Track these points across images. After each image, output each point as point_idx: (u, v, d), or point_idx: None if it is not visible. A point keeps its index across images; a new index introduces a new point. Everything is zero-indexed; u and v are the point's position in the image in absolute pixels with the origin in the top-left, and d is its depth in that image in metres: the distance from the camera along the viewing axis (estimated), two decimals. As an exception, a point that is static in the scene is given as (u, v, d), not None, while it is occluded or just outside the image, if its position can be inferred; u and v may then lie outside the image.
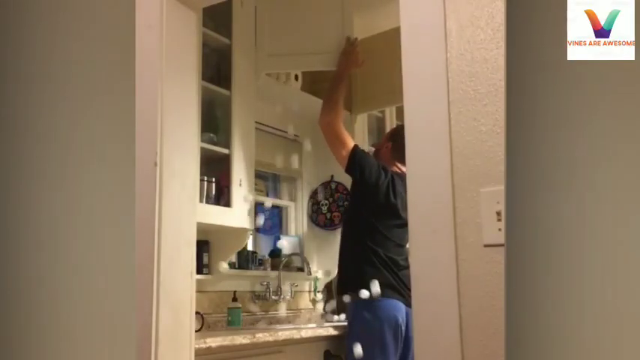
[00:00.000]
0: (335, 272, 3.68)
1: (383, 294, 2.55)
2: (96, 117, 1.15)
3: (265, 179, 3.72)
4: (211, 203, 2.76)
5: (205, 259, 2.88)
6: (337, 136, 2.70)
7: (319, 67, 3.14)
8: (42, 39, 1.13)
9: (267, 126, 3.53)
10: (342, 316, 3.63)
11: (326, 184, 3.77)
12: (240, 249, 3.09)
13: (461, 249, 1.30)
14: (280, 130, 3.67)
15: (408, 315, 2.53)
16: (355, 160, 2.67)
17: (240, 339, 2.34)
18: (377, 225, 2.65)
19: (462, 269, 1.29)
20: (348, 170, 2.71)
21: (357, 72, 3.64)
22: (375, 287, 2.53)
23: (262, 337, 2.44)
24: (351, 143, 2.70)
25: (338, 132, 2.70)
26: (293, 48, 3.00)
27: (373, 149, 3.21)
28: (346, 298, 2.71)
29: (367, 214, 2.68)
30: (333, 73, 2.90)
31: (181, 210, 1.94)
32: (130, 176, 1.21)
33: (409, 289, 1.46)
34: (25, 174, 1.11)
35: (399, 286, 2.58)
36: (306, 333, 2.73)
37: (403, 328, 2.54)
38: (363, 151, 2.76)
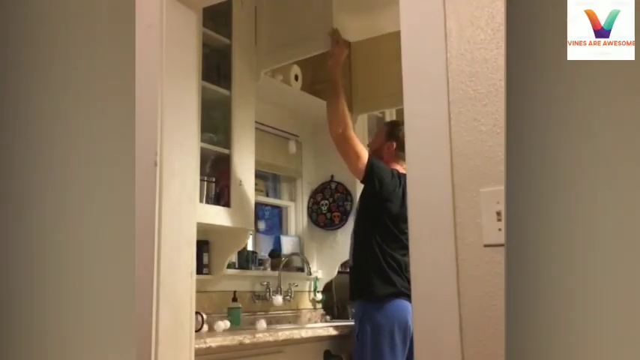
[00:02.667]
0: (335, 272, 3.69)
1: (395, 296, 2.55)
2: (96, 117, 1.15)
3: (265, 179, 3.72)
4: (211, 203, 2.76)
5: (205, 259, 2.88)
6: (352, 147, 2.66)
7: (314, 51, 3.10)
8: (42, 39, 1.13)
9: (267, 126, 3.53)
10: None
11: (326, 184, 3.77)
12: (240, 249, 3.09)
13: (461, 249, 1.30)
14: (280, 130, 3.67)
15: None
16: (373, 172, 2.64)
17: (240, 339, 2.34)
18: (395, 230, 2.63)
19: (462, 269, 1.29)
20: (366, 181, 2.68)
21: (358, 74, 3.65)
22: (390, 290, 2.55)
23: (262, 337, 2.44)
24: (365, 154, 2.67)
25: (352, 143, 2.66)
26: (287, 38, 3.03)
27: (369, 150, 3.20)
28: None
29: (387, 221, 2.65)
30: (330, 73, 2.87)
31: (181, 210, 1.94)
32: (130, 176, 1.21)
33: None
34: (25, 174, 1.10)
35: (408, 288, 2.58)
36: (306, 333, 2.73)
37: (412, 328, 2.54)
38: (378, 161, 2.74)
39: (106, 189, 1.14)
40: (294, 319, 3.48)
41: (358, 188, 3.56)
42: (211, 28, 2.84)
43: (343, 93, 2.78)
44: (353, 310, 3.12)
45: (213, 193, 2.80)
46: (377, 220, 2.67)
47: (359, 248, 2.74)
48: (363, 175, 2.66)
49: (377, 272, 2.61)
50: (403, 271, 2.59)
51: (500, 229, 1.25)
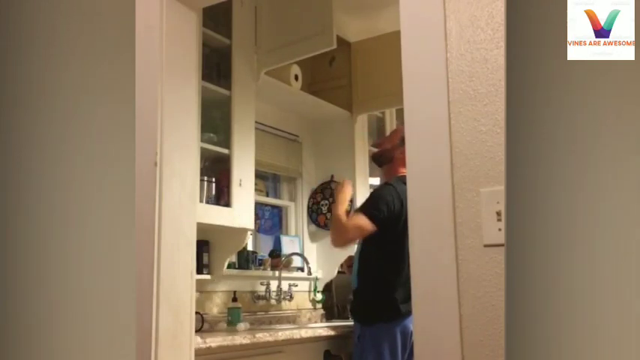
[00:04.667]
0: (335, 272, 3.69)
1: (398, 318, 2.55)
2: (96, 117, 1.15)
3: (265, 179, 3.72)
4: (211, 203, 2.76)
5: (205, 259, 2.88)
6: (352, 234, 2.62)
7: (314, 51, 3.12)
8: (42, 39, 1.13)
9: (267, 126, 3.54)
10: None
11: (326, 184, 3.77)
12: (240, 249, 3.09)
13: (461, 249, 1.30)
14: (280, 130, 3.68)
15: None
16: (375, 215, 2.57)
17: (240, 339, 2.34)
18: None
19: (461, 269, 1.29)
20: (380, 225, 2.58)
21: (358, 74, 3.68)
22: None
23: (262, 337, 2.44)
24: (365, 221, 2.57)
25: (351, 233, 2.62)
26: (287, 38, 3.05)
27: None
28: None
29: (403, 237, 2.60)
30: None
31: (181, 210, 1.94)
32: (130, 176, 1.21)
33: None
34: (25, 174, 1.11)
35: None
36: (306, 333, 2.73)
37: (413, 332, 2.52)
38: (368, 207, 2.65)
39: (106, 189, 1.14)
40: (294, 319, 3.48)
41: (358, 188, 3.57)
42: (211, 28, 2.84)
43: (344, 215, 2.71)
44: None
45: (213, 193, 2.80)
46: (387, 241, 2.59)
47: (364, 271, 2.68)
48: (376, 226, 2.57)
49: (383, 298, 2.57)
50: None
51: (500, 229, 1.25)
